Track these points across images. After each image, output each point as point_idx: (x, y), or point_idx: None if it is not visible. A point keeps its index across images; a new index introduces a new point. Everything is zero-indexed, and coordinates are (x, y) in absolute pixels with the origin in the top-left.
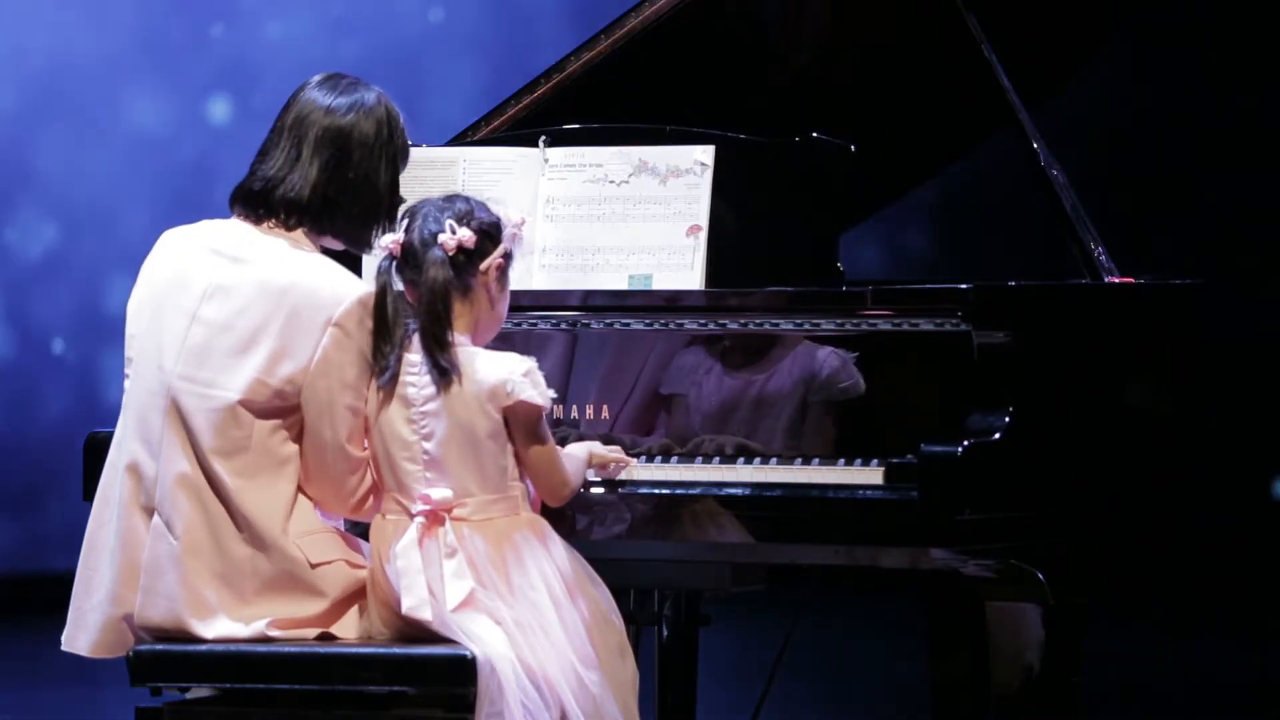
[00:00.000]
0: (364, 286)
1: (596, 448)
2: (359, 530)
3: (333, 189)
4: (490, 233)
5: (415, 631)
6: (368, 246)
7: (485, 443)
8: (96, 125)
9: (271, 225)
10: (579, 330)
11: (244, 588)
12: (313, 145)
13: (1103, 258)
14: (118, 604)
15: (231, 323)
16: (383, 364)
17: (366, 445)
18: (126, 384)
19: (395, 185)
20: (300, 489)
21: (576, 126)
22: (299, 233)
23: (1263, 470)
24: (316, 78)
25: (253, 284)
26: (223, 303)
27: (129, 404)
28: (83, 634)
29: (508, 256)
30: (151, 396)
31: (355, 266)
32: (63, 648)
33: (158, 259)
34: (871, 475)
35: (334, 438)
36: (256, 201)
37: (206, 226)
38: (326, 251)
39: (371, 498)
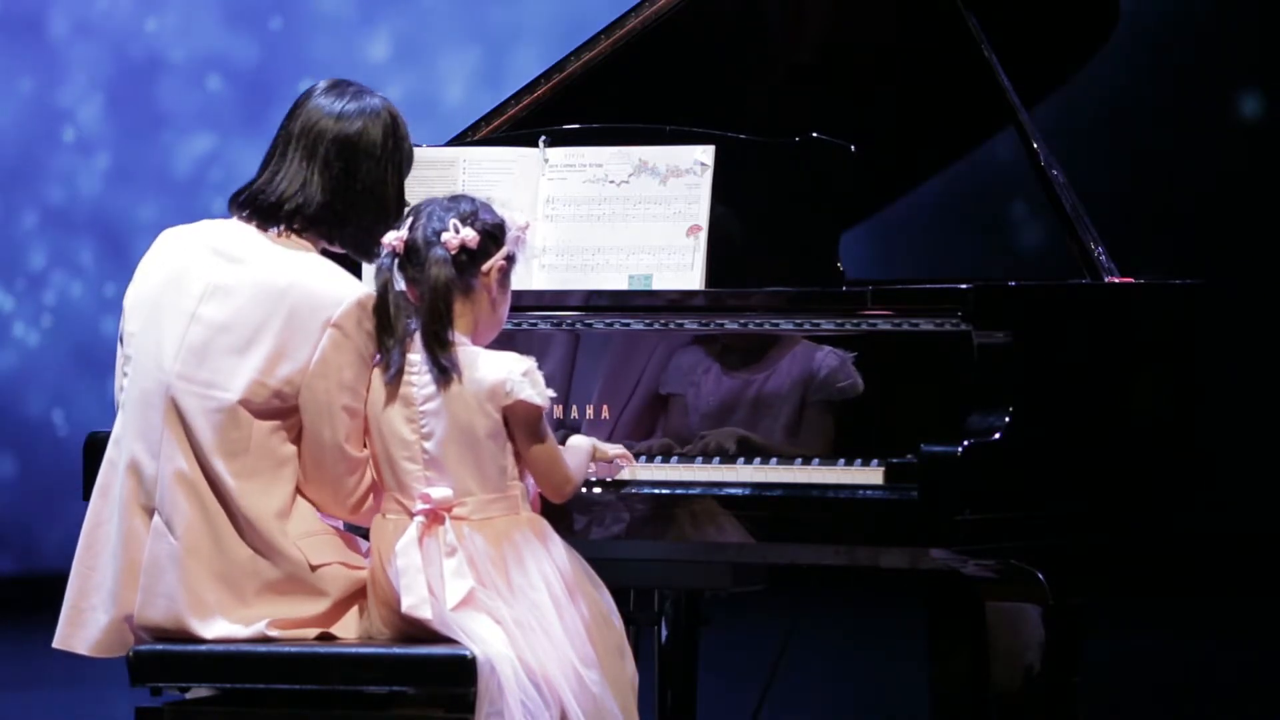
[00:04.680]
0: (362, 288)
1: (600, 443)
2: (359, 529)
3: (341, 202)
4: (494, 234)
5: (415, 631)
6: (371, 256)
7: (485, 442)
8: None
9: (277, 233)
10: (579, 330)
11: (244, 589)
12: (321, 157)
13: (1103, 258)
14: (119, 604)
15: (230, 323)
16: (386, 360)
17: (365, 446)
18: (124, 382)
19: (401, 192)
20: (300, 490)
21: (576, 126)
22: (303, 238)
23: (1263, 470)
24: (323, 84)
25: (251, 284)
26: (222, 303)
27: (127, 402)
28: (81, 633)
29: (510, 259)
30: (150, 396)
31: (355, 267)
32: (55, 645)
33: (156, 257)
34: (871, 475)
35: (332, 438)
36: (264, 211)
37: (206, 226)
38: (325, 253)
39: (370, 499)
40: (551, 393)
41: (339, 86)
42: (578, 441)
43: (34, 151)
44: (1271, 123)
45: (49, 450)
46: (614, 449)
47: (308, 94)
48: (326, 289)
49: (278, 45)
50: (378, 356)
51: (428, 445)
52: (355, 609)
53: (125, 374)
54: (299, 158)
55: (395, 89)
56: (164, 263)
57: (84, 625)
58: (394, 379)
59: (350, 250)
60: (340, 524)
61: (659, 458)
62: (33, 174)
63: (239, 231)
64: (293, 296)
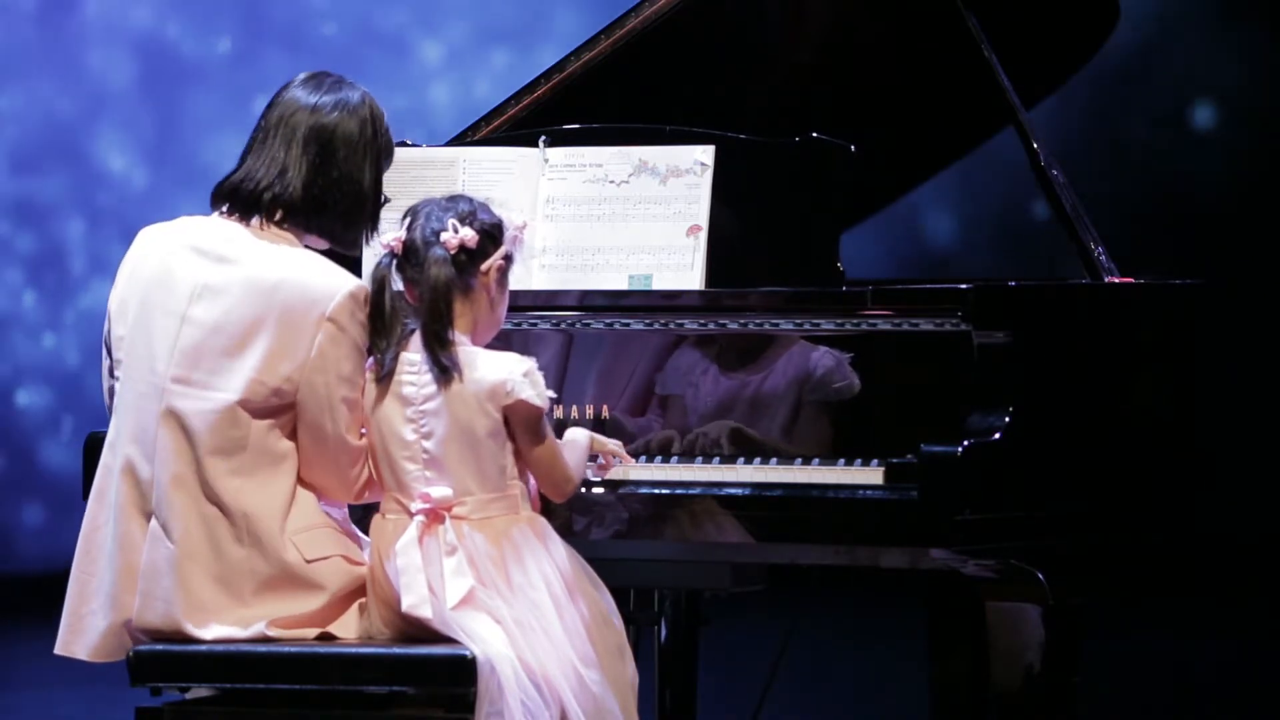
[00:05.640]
0: (353, 279)
1: (598, 436)
2: (358, 519)
3: (317, 187)
4: (492, 234)
5: (415, 630)
6: (352, 247)
7: (485, 442)
8: None
9: (259, 224)
10: (578, 330)
11: (242, 589)
12: (300, 144)
13: (1103, 258)
14: (117, 609)
15: (222, 323)
16: (380, 360)
17: (364, 434)
18: (115, 386)
19: (378, 184)
20: (301, 483)
21: (576, 126)
22: (284, 229)
23: (1263, 470)
24: (301, 76)
25: (241, 283)
26: (212, 303)
27: (120, 407)
28: (81, 639)
29: (508, 259)
30: (144, 399)
31: (356, 269)
32: (56, 652)
33: (138, 258)
34: (871, 475)
35: (335, 431)
36: (243, 201)
37: (186, 224)
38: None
39: (371, 485)
40: (551, 393)
41: (317, 78)
42: (574, 435)
43: (87, 158)
44: (1228, 130)
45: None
46: (612, 442)
47: (286, 86)
48: (317, 283)
49: (329, 52)
50: (372, 357)
51: (428, 445)
52: (355, 608)
53: (115, 378)
54: (276, 147)
55: (442, 93)
56: (147, 263)
57: (83, 631)
58: (387, 378)
59: (328, 239)
60: (340, 517)
61: (658, 458)
62: (83, 182)
63: (222, 229)
64: (284, 293)
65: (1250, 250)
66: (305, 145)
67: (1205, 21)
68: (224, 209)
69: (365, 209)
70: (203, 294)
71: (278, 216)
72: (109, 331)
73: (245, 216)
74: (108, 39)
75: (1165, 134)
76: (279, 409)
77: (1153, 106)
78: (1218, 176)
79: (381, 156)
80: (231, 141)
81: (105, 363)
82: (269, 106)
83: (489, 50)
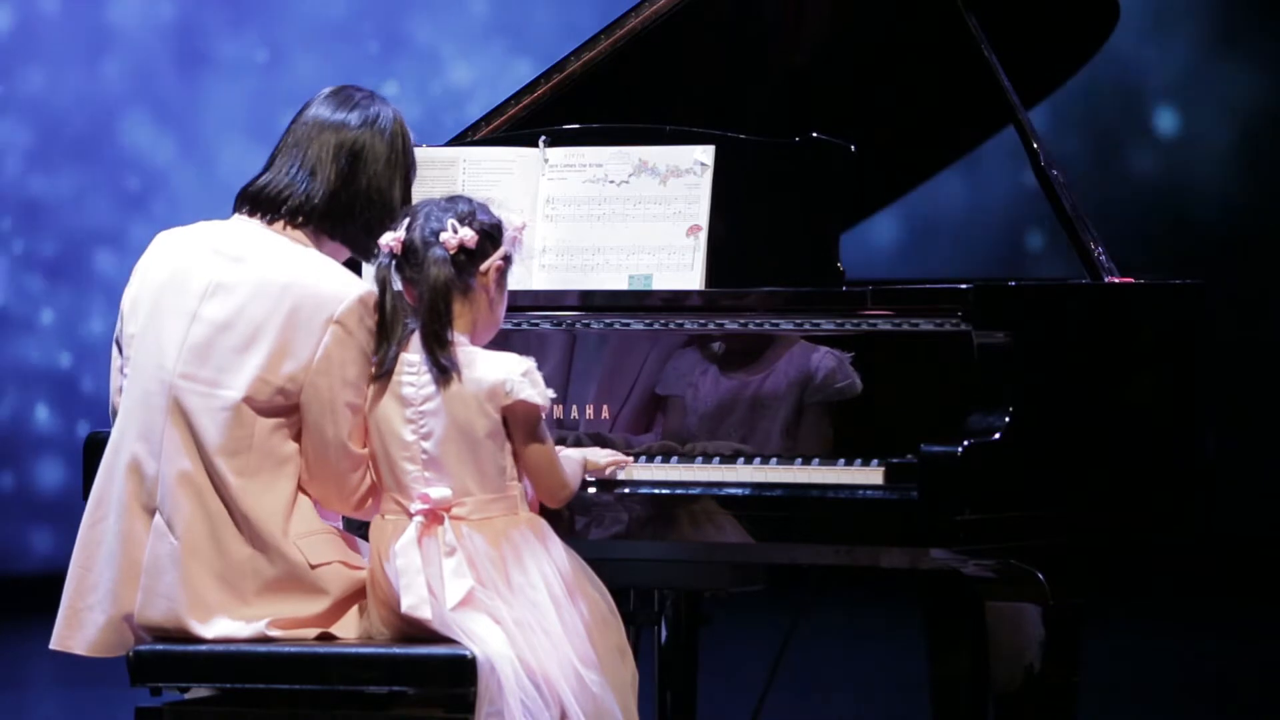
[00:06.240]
0: (364, 285)
1: (592, 455)
2: (356, 528)
3: (345, 195)
4: (491, 234)
5: (415, 631)
6: (372, 255)
7: (484, 442)
8: None
9: (282, 226)
10: (578, 330)
11: (244, 588)
12: (328, 156)
13: (1103, 258)
14: (118, 604)
15: (232, 321)
16: (382, 359)
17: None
18: (124, 384)
19: (408, 199)
20: (301, 488)
21: (576, 126)
22: (303, 232)
23: (1263, 470)
24: (328, 90)
25: (253, 282)
26: (223, 301)
27: (127, 404)
28: (79, 633)
29: (507, 259)
30: (151, 396)
31: (354, 267)
32: (52, 647)
33: (153, 259)
34: (871, 475)
35: (336, 435)
36: (266, 204)
37: (204, 227)
38: None
39: (372, 496)
40: (551, 393)
41: (347, 91)
42: (570, 454)
43: (105, 163)
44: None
45: None
46: (605, 458)
47: (313, 100)
48: (328, 286)
49: (368, 68)
50: (374, 356)
51: (426, 445)
52: (355, 609)
53: (125, 375)
54: (305, 155)
55: (475, 109)
56: (162, 264)
57: (81, 626)
58: (386, 378)
59: (349, 247)
60: (339, 524)
61: (659, 458)
62: (104, 186)
63: (238, 229)
64: (294, 293)
65: (1249, 250)
66: (334, 156)
67: (1202, 23)
68: (245, 210)
69: (390, 221)
70: (215, 292)
71: (299, 218)
72: (120, 331)
73: (265, 216)
74: (128, 43)
75: (1160, 135)
76: (284, 410)
77: (1150, 107)
78: (1216, 178)
79: (409, 172)
80: (252, 148)
81: (115, 361)
82: (296, 119)
83: (515, 57)
